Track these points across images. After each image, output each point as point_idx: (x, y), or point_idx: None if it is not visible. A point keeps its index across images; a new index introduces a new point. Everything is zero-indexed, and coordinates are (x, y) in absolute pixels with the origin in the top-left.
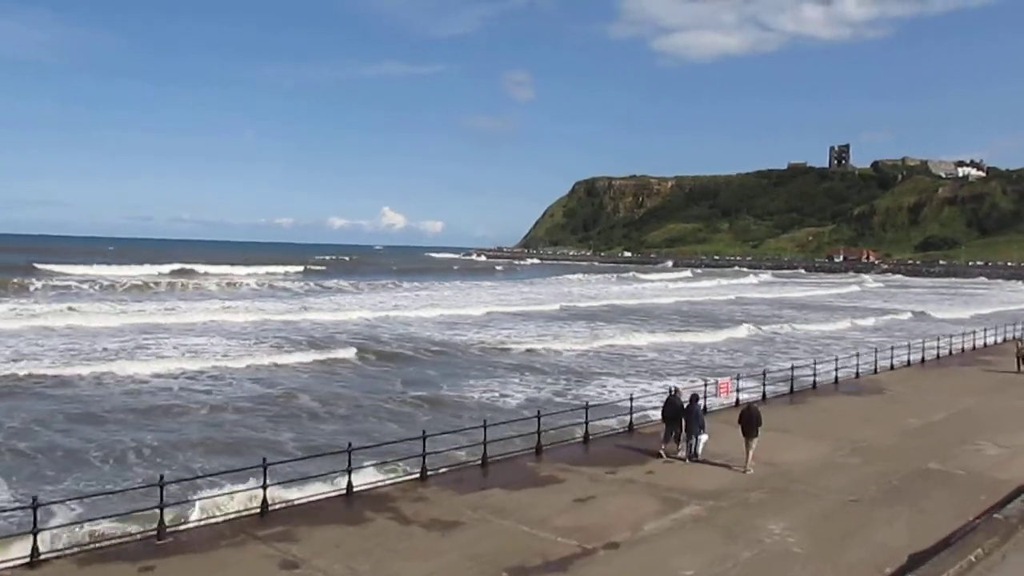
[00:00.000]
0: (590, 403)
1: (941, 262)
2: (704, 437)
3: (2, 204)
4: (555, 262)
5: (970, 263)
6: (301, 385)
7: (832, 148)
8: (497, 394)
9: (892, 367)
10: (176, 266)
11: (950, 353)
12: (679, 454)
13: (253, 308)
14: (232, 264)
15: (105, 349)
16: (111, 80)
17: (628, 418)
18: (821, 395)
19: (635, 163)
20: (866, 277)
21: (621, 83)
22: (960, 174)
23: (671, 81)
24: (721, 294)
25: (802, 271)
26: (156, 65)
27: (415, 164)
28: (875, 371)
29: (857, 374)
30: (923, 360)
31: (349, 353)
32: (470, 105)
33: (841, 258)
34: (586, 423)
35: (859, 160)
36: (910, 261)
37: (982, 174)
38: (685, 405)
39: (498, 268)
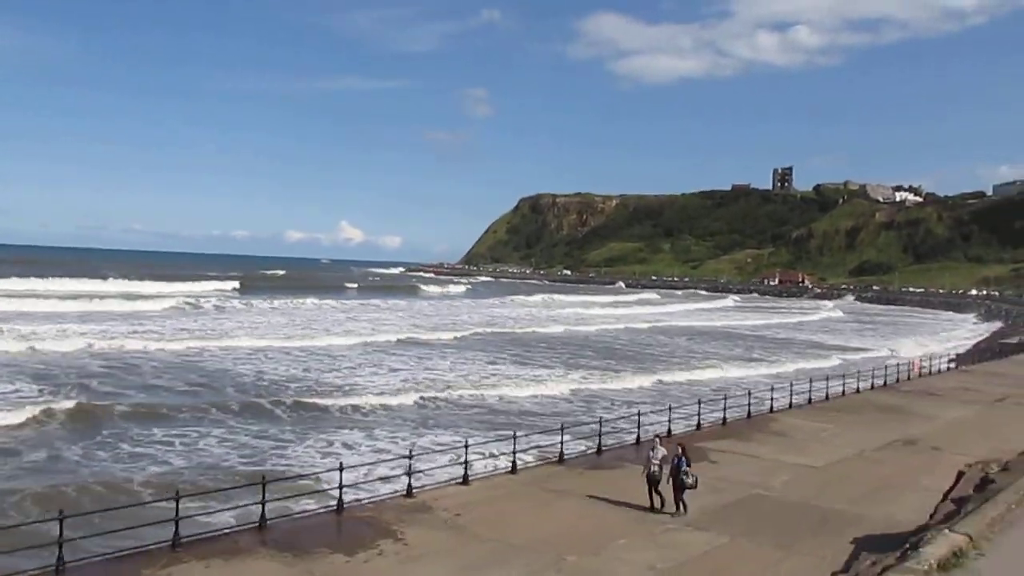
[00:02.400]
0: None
1: (875, 287)
2: None
3: None
4: (508, 280)
5: (903, 289)
6: None
7: (775, 171)
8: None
9: None
10: (65, 281)
11: None
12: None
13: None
14: (154, 280)
15: None
16: (66, 88)
17: None
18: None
19: (584, 181)
20: (826, 303)
21: (578, 103)
22: (897, 199)
23: (627, 102)
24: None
25: (732, 298)
26: (114, 74)
27: (374, 178)
28: None
29: None
30: None
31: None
32: (430, 120)
33: (776, 281)
34: None
35: (806, 184)
36: (844, 285)
37: (919, 199)
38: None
39: (424, 287)
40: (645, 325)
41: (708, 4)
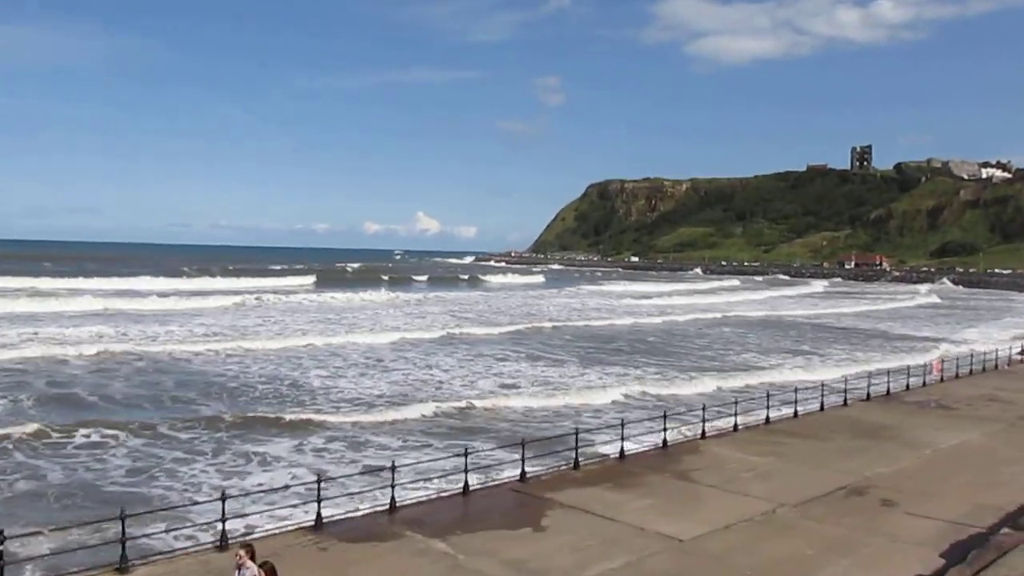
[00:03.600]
0: None
1: (958, 269)
2: None
3: (40, 211)
4: (577, 268)
5: (988, 271)
6: None
7: (854, 149)
8: None
9: None
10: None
11: None
12: None
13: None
14: (233, 276)
15: None
16: (152, 87)
17: None
18: None
19: (656, 166)
20: (920, 288)
21: (651, 88)
22: (984, 175)
23: (702, 85)
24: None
25: (820, 283)
26: (196, 72)
27: (449, 169)
28: None
29: None
30: None
31: None
32: (503, 110)
33: (852, 264)
34: None
35: (888, 164)
36: (924, 268)
37: (1008, 175)
38: None
39: (483, 278)
40: (718, 315)
41: None
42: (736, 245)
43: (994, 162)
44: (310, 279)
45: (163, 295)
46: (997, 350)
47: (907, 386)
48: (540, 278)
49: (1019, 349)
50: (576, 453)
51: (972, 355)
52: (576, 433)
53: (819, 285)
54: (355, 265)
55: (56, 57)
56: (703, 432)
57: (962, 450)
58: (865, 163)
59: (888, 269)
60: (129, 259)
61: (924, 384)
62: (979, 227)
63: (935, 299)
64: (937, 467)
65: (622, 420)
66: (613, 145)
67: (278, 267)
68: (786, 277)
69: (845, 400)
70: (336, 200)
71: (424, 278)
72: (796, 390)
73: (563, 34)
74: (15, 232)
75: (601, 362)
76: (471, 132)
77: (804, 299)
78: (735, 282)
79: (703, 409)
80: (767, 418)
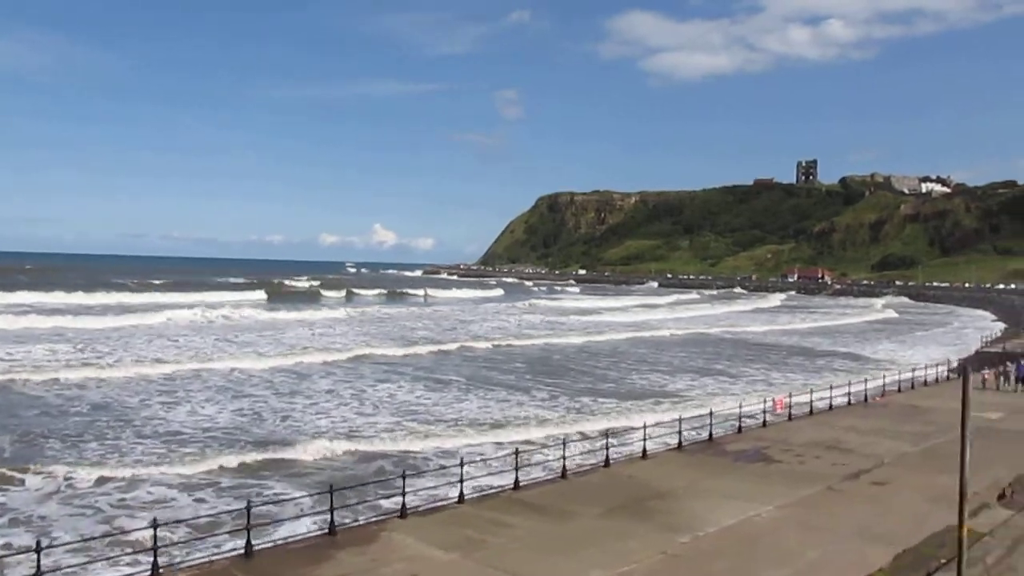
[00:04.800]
0: None
1: (898, 282)
2: None
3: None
4: (531, 282)
5: (926, 284)
6: None
7: (799, 163)
8: None
9: None
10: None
11: None
12: None
13: None
14: (170, 291)
15: None
16: (106, 98)
17: None
18: None
19: (608, 179)
20: (876, 302)
21: (608, 102)
22: (924, 190)
23: (657, 100)
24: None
25: (778, 297)
26: (149, 83)
27: (407, 181)
28: None
29: None
30: None
31: None
32: (464, 122)
33: (795, 277)
34: None
35: (834, 177)
36: (865, 281)
37: (947, 190)
38: None
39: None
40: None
41: (738, 0)
42: (682, 258)
43: (934, 177)
44: (239, 295)
45: (63, 311)
46: (922, 367)
47: (739, 428)
48: (498, 291)
49: (952, 366)
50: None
51: (866, 381)
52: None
53: (776, 299)
54: (302, 280)
55: (11, 66)
56: (403, 508)
57: (735, 536)
58: (811, 177)
59: (829, 283)
60: (69, 270)
61: (764, 424)
62: (919, 241)
63: (891, 313)
64: (679, 569)
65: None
66: (567, 158)
67: (222, 280)
68: (742, 291)
69: (644, 452)
70: (292, 212)
71: (372, 292)
72: (564, 441)
73: (523, 47)
74: None
75: (489, 383)
76: (431, 144)
77: (761, 313)
78: (693, 295)
79: (401, 480)
80: (516, 482)
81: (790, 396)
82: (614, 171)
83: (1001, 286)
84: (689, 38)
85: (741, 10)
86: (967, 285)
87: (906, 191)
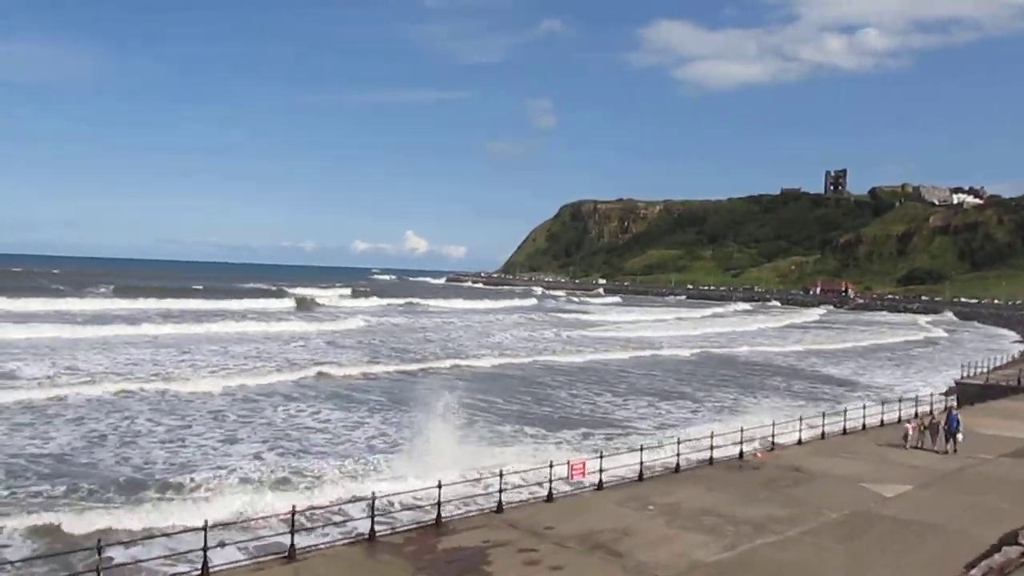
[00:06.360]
0: None
1: (923, 297)
2: None
3: (33, 225)
4: (559, 291)
5: (953, 299)
6: None
7: (828, 173)
8: None
9: None
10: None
11: None
12: None
13: None
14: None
15: None
16: (143, 102)
17: None
18: None
19: (631, 187)
20: (921, 318)
21: (640, 111)
22: (955, 201)
23: (689, 109)
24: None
25: (776, 303)
26: (186, 88)
27: (440, 189)
28: None
29: None
30: None
31: None
32: (495, 131)
33: (818, 290)
34: None
35: (864, 188)
36: (889, 295)
37: (979, 201)
38: None
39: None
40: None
41: (773, 9)
42: (704, 268)
43: (967, 188)
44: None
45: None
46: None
47: (499, 506)
48: (531, 300)
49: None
50: None
51: (774, 425)
52: None
53: (815, 313)
54: (327, 290)
55: (49, 73)
56: None
57: None
58: (840, 187)
59: (852, 296)
60: (106, 274)
61: (549, 497)
62: (948, 254)
63: (939, 332)
64: None
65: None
66: (593, 166)
67: (248, 286)
68: (777, 304)
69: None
70: (325, 218)
71: (384, 303)
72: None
73: (555, 56)
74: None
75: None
76: (463, 152)
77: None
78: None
79: None
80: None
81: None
82: (639, 179)
83: None
84: (722, 47)
85: (775, 19)
86: (996, 302)
87: (936, 202)
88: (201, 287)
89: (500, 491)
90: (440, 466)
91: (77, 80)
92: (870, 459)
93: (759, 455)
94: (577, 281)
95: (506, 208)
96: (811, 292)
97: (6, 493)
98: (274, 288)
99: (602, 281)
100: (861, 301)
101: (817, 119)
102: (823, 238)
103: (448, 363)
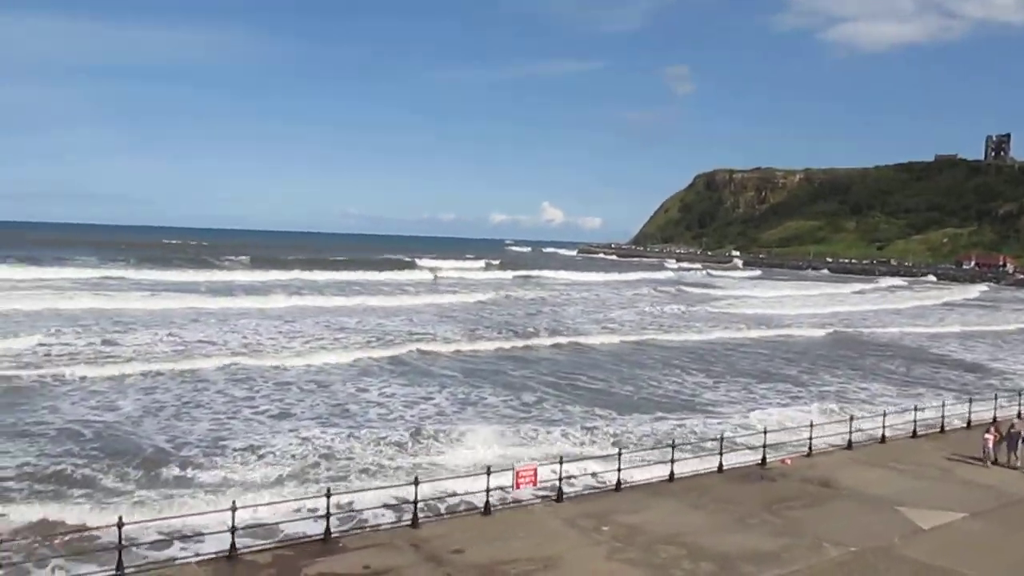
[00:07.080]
0: None
1: None
2: None
3: (190, 201)
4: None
5: None
6: None
7: (989, 138)
8: None
9: None
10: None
11: None
12: None
13: None
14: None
15: None
16: (288, 78)
17: None
18: None
19: (774, 156)
20: None
21: (780, 75)
22: None
23: (836, 73)
24: None
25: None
26: (329, 63)
27: (576, 159)
28: None
29: None
30: None
31: None
32: (631, 100)
33: (972, 264)
34: None
35: None
36: None
37: None
38: None
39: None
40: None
41: None
42: (846, 241)
43: None
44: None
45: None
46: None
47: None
48: (665, 273)
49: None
50: None
51: (811, 426)
52: None
53: (974, 290)
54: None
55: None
56: None
57: None
58: (1002, 153)
59: (1012, 271)
60: (250, 246)
61: (486, 511)
62: None
63: None
64: None
65: None
66: (730, 134)
67: (381, 257)
68: (932, 279)
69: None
70: (464, 190)
71: (510, 276)
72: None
73: (693, 22)
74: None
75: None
76: (599, 122)
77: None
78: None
79: None
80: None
81: (560, 463)
82: (778, 147)
83: None
84: (876, 6)
85: None
86: None
87: None
88: (343, 258)
89: (415, 502)
90: (449, 460)
91: (222, 60)
92: (926, 474)
93: (787, 462)
94: (710, 253)
95: (641, 178)
96: (963, 266)
97: (34, 459)
98: (408, 259)
99: (736, 253)
100: (1021, 276)
101: (979, 80)
102: (980, 208)
103: (551, 340)
